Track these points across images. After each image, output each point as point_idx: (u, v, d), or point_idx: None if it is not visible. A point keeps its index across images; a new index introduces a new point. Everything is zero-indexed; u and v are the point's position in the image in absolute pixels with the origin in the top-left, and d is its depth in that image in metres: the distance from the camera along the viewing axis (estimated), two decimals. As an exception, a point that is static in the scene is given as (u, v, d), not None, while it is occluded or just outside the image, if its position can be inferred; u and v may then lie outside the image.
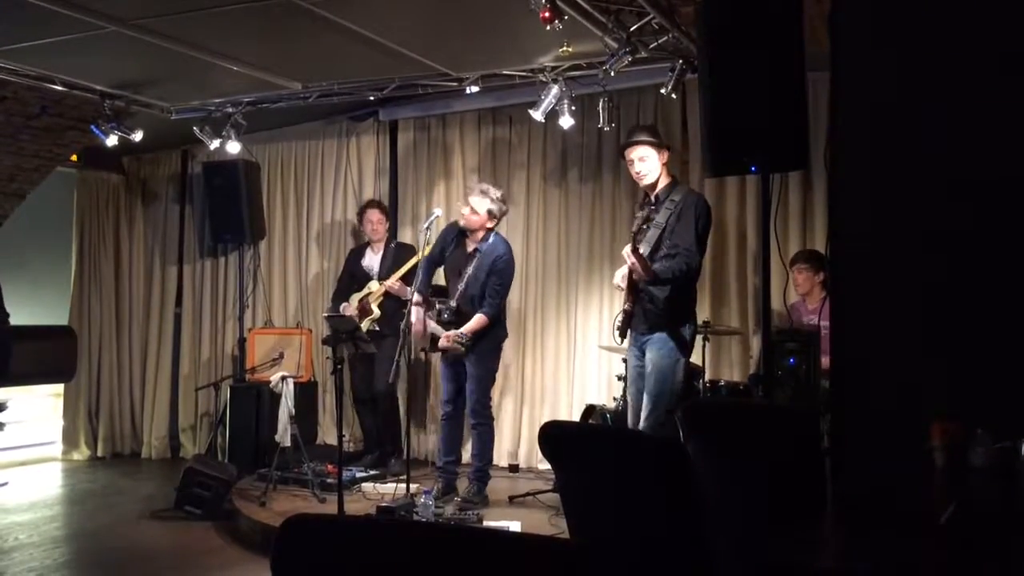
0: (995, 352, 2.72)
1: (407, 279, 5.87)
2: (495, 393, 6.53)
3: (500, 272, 5.18)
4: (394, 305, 6.04)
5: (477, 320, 5.09)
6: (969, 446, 2.43)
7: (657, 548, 2.14)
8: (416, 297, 5.19)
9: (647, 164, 4.39)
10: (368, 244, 6.49)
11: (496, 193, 5.25)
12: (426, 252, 5.38)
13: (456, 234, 5.31)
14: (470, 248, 5.25)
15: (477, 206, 5.17)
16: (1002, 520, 2.10)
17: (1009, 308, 2.70)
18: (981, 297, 2.73)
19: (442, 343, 5.07)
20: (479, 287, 5.14)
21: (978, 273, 2.74)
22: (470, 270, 5.18)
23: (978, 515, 2.13)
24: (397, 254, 6.28)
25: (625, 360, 5.41)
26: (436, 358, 5.88)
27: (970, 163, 2.74)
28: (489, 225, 5.23)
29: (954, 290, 2.77)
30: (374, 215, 6.40)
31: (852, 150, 2.94)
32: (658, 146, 4.41)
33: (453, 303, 5.19)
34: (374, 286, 6.25)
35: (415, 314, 5.17)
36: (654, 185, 4.42)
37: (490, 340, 5.22)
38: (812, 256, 5.25)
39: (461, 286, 5.19)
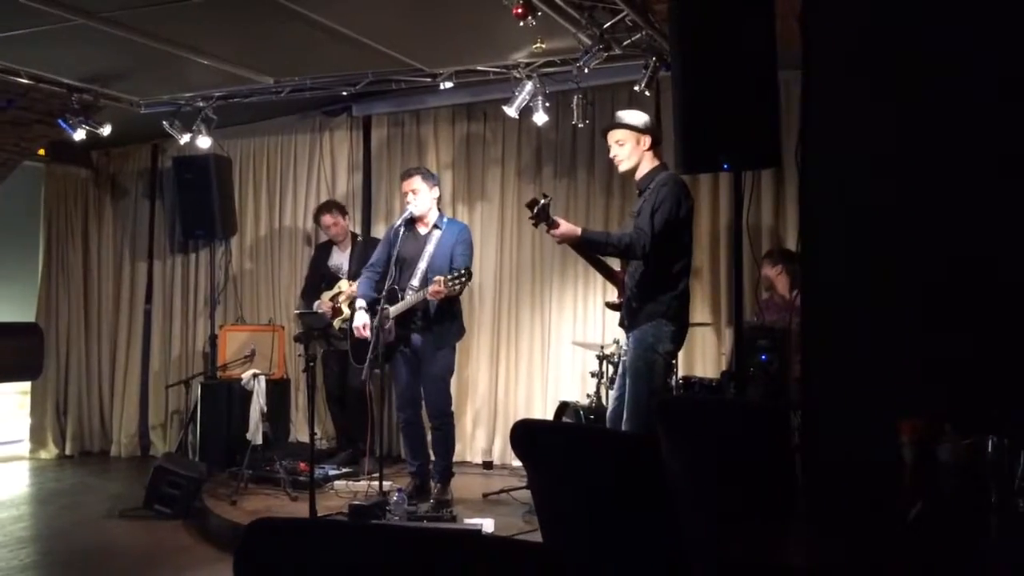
0: (963, 349, 2.75)
1: None
2: (468, 391, 6.54)
3: (466, 243, 5.15)
4: None
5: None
6: (937, 442, 2.45)
7: (629, 546, 2.14)
8: (360, 303, 5.17)
9: (623, 149, 4.25)
10: (333, 242, 6.47)
11: (420, 167, 5.39)
12: None
13: (401, 230, 5.10)
14: (424, 231, 5.18)
15: (415, 186, 5.11)
16: (969, 517, 2.12)
17: (978, 306, 2.73)
18: (951, 296, 2.76)
19: (434, 288, 4.77)
20: (446, 259, 5.04)
21: (948, 272, 2.77)
22: (431, 248, 5.10)
23: (946, 512, 2.15)
24: (364, 251, 6.25)
25: (598, 356, 5.45)
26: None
27: (943, 162, 2.77)
28: (434, 196, 5.20)
29: (924, 288, 2.80)
30: (327, 219, 6.39)
31: (823, 148, 2.96)
32: (635, 131, 4.23)
33: (416, 282, 5.04)
34: (344, 286, 6.22)
35: (360, 319, 5.10)
36: (635, 173, 4.30)
37: (449, 336, 5.16)
38: (770, 253, 5.35)
39: (423, 264, 5.07)
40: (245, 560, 1.21)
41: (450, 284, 4.78)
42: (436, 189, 5.26)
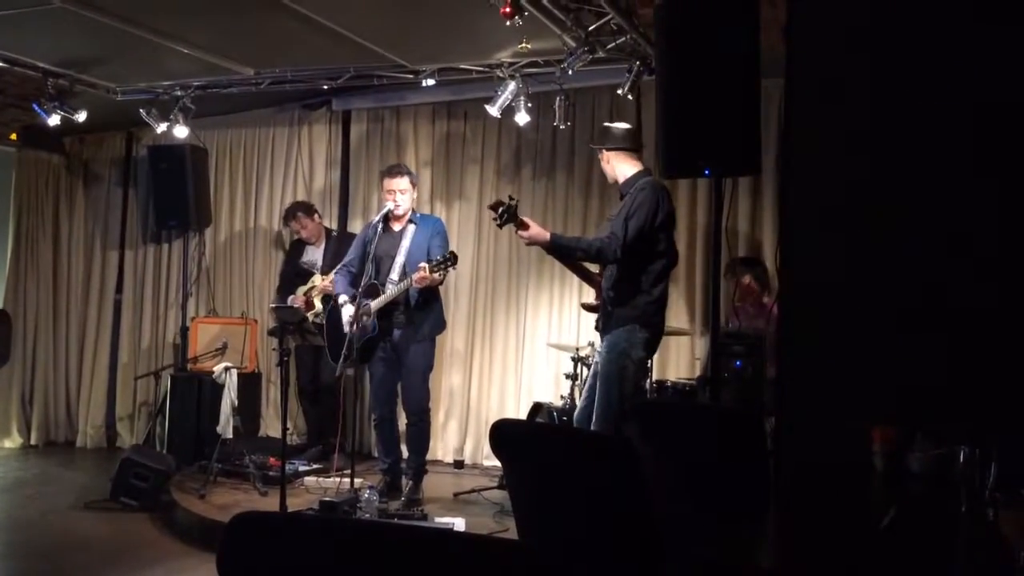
0: (935, 359, 2.78)
1: None
2: (441, 390, 6.53)
3: (442, 234, 5.16)
4: None
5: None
6: (908, 451, 2.49)
7: (604, 547, 2.14)
8: (344, 297, 5.15)
9: (606, 167, 4.43)
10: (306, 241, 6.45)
11: (403, 165, 5.39)
12: None
13: (376, 229, 5.10)
14: (398, 227, 5.18)
15: (404, 186, 5.10)
16: (939, 525, 2.15)
17: (951, 316, 2.76)
18: (924, 305, 2.79)
19: (419, 275, 4.76)
20: (423, 252, 5.02)
21: (923, 281, 2.80)
22: (406, 242, 5.09)
23: (916, 520, 2.18)
24: (339, 245, 6.22)
25: (572, 358, 5.46)
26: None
27: (924, 173, 2.80)
28: (415, 195, 5.25)
29: (899, 298, 2.83)
30: (294, 225, 6.40)
31: (805, 157, 2.98)
32: (599, 149, 4.43)
33: (395, 275, 5.02)
34: (317, 280, 6.19)
35: (347, 314, 5.06)
36: (618, 182, 4.41)
37: (429, 329, 5.15)
38: (736, 263, 5.36)
39: (401, 258, 5.06)
40: (228, 554, 1.20)
41: (435, 268, 4.77)
42: (416, 189, 5.28)
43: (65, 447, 7.35)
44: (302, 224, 6.35)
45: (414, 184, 5.21)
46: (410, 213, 5.20)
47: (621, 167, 4.34)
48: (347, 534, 1.25)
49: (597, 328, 4.36)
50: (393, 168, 5.29)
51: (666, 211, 4.22)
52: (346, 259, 5.32)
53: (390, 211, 5.10)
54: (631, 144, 4.39)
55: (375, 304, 4.98)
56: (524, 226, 4.14)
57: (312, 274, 6.31)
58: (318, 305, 6.06)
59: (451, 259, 4.80)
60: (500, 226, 4.22)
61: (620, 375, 4.12)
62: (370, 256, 5.02)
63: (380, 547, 1.24)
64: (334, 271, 5.57)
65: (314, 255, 6.41)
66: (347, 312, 5.07)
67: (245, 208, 7.26)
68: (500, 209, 4.12)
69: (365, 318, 4.95)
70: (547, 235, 4.15)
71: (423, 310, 5.07)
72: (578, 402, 5.37)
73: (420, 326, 5.09)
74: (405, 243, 5.10)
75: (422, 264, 4.81)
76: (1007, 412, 2.57)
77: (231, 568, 1.19)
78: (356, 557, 1.22)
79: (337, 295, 5.28)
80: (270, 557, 1.20)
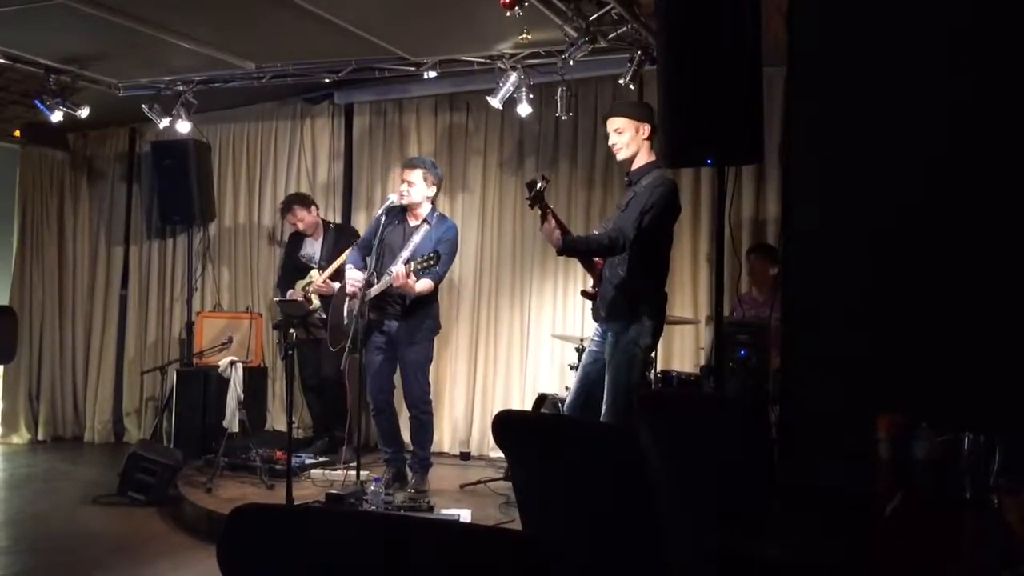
0: (939, 348, 2.78)
1: (341, 274, 5.61)
2: (447, 382, 6.54)
3: (449, 242, 5.09)
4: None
5: (423, 283, 4.97)
6: (913, 439, 2.49)
7: (608, 537, 2.14)
8: (349, 265, 5.17)
9: (621, 137, 4.17)
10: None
11: (426, 160, 5.29)
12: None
13: (393, 215, 5.11)
14: (413, 223, 5.15)
15: (412, 177, 5.08)
16: (944, 512, 2.15)
17: (953, 305, 2.76)
18: (927, 294, 2.79)
19: (396, 274, 4.78)
20: (428, 252, 4.98)
21: (926, 271, 2.80)
22: (416, 239, 5.06)
23: (921, 507, 2.18)
24: (337, 239, 6.21)
25: (577, 349, 5.45)
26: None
27: (925, 160, 2.79)
28: (429, 194, 5.15)
29: (902, 287, 2.83)
30: (291, 219, 6.37)
31: (808, 145, 2.98)
32: (636, 119, 4.16)
33: (394, 269, 4.94)
34: (315, 275, 6.19)
35: (353, 277, 5.06)
36: (631, 163, 4.22)
37: (427, 327, 5.14)
38: (769, 248, 5.38)
39: (406, 253, 5.02)
40: (229, 546, 1.20)
41: (421, 264, 4.76)
42: (434, 187, 5.20)
43: (72, 442, 7.38)
44: (299, 216, 6.33)
45: (429, 179, 5.11)
46: (427, 211, 5.17)
47: (644, 152, 4.19)
48: (350, 526, 1.26)
49: (595, 317, 4.32)
50: (407, 161, 5.29)
51: (677, 209, 4.20)
52: (363, 238, 5.35)
53: (394, 201, 5.08)
54: (656, 125, 4.27)
55: (371, 292, 4.99)
56: (547, 217, 4.03)
57: (310, 268, 6.31)
58: (315, 302, 6.06)
59: (434, 258, 4.78)
60: (531, 207, 4.11)
61: (630, 363, 4.10)
62: (375, 245, 5.02)
63: (382, 538, 1.24)
64: (352, 247, 5.54)
65: (312, 248, 6.40)
66: (351, 275, 5.07)
67: (249, 202, 7.27)
68: (533, 191, 4.01)
69: (362, 306, 4.94)
70: (560, 241, 4.04)
71: (419, 308, 5.06)
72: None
73: (416, 324, 5.08)
74: (415, 239, 5.09)
75: (401, 265, 4.82)
76: (1008, 404, 2.57)
77: (231, 560, 1.19)
78: (360, 549, 1.22)
79: (346, 265, 5.28)
80: (270, 549, 1.21)
